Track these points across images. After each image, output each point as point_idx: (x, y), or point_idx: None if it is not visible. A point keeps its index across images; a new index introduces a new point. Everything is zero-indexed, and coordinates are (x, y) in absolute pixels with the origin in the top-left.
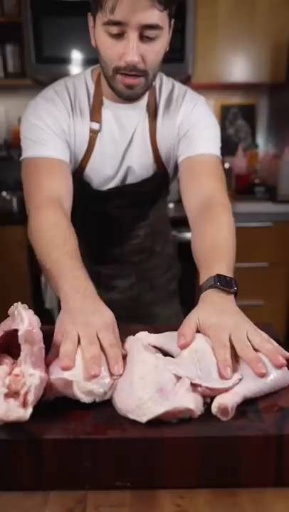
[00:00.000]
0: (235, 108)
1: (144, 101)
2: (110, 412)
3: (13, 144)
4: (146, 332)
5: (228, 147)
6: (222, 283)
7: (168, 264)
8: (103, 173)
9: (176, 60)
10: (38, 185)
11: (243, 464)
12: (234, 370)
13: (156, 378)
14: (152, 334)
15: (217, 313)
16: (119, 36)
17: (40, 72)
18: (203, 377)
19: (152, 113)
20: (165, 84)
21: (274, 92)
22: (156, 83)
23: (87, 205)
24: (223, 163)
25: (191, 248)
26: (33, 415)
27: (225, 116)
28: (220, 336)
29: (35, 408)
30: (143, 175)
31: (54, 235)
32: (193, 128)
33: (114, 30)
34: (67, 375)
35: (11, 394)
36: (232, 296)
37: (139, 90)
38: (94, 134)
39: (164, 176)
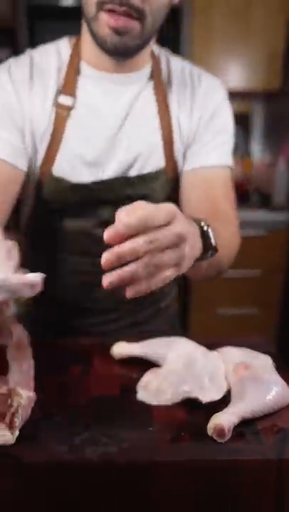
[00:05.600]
0: None
1: (145, 69)
2: (98, 436)
3: None
4: (124, 342)
5: None
6: (196, 219)
7: (171, 324)
8: (82, 161)
9: None
10: None
11: (240, 491)
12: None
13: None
14: (134, 343)
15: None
16: None
17: None
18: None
19: (159, 83)
20: (171, 57)
21: (269, 99)
22: (159, 53)
23: (59, 220)
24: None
25: None
26: (17, 436)
27: None
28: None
29: (20, 429)
30: (143, 169)
31: None
32: (214, 124)
33: None
34: None
35: None
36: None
37: (131, 41)
38: (63, 111)
39: (173, 180)
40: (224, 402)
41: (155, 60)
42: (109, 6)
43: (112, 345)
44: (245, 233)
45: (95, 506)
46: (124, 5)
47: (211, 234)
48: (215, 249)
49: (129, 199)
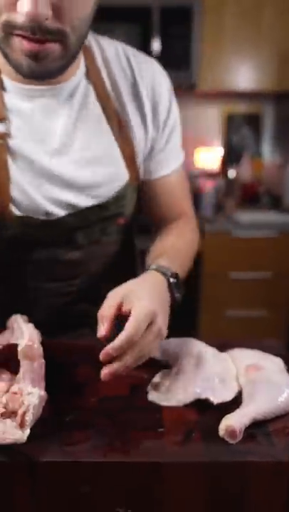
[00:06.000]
0: (241, 116)
1: (79, 70)
2: (108, 437)
3: None
4: None
5: (233, 156)
6: (162, 269)
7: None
8: (42, 194)
9: (181, 68)
10: None
11: (251, 493)
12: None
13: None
14: None
15: (148, 296)
16: None
17: None
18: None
19: (99, 83)
20: (100, 40)
21: (280, 100)
22: (89, 39)
23: (27, 252)
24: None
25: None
26: (28, 435)
27: (230, 124)
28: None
29: (31, 427)
30: (111, 190)
31: None
32: (168, 124)
33: None
34: None
35: (8, 413)
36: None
37: (53, 64)
38: None
39: (138, 187)
40: (235, 403)
41: (87, 51)
42: (19, 32)
43: None
44: (255, 235)
45: (104, 506)
46: (39, 30)
47: (177, 285)
48: (181, 295)
49: (102, 220)
